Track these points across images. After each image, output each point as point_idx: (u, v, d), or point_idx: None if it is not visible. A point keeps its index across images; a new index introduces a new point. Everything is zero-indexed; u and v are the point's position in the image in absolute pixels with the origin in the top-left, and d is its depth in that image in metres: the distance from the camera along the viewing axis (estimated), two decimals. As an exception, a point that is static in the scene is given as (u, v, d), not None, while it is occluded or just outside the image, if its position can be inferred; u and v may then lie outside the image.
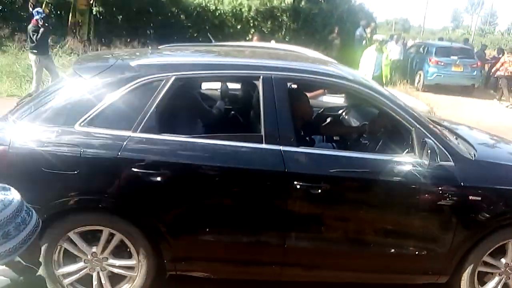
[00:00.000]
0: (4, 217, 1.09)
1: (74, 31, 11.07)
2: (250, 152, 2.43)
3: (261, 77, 2.50)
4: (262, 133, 2.43)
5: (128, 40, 11.26)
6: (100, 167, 2.35)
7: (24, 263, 1.14)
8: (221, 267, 2.62)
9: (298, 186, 2.37)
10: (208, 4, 12.66)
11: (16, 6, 11.55)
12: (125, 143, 2.31)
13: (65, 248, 2.45)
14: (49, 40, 8.18)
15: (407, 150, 2.58)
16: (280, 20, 12.94)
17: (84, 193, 2.38)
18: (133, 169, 2.31)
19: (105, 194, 2.37)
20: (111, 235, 2.44)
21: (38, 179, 2.30)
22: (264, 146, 2.42)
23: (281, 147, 2.40)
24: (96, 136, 2.34)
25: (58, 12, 11.72)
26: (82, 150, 2.29)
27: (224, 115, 3.44)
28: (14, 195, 1.16)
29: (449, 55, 12.57)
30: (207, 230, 2.47)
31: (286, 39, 12.29)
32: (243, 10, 12.69)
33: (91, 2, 11.57)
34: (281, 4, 13.37)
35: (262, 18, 12.69)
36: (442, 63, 12.35)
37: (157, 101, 2.39)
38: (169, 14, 12.40)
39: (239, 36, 12.06)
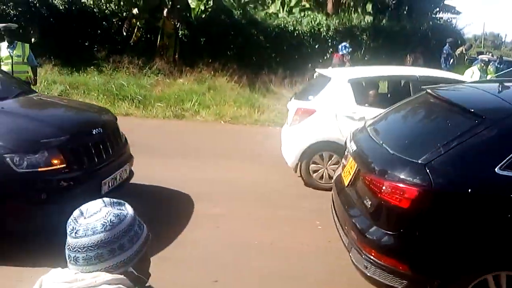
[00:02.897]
0: (119, 230, 1.16)
1: (161, 53, 11.85)
2: None
3: None
4: None
5: (210, 60, 11.79)
6: None
7: (136, 274, 1.21)
8: None
9: None
10: (287, 25, 12.85)
11: (112, 30, 12.67)
12: None
13: None
14: None
15: None
16: (359, 38, 12.71)
17: None
18: None
19: None
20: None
21: (464, 222, 2.34)
22: None
23: None
24: None
25: (148, 36, 12.65)
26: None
27: None
28: (128, 210, 1.22)
29: None
30: None
31: (366, 58, 12.02)
32: (321, 30, 12.68)
33: (177, 26, 12.34)
34: (360, 23, 13.17)
35: (340, 37, 12.56)
36: None
37: None
38: (248, 36, 12.79)
39: (317, 56, 12.04)
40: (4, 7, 12.06)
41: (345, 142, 3.49)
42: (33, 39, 11.36)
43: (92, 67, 10.99)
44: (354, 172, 2.97)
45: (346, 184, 3.11)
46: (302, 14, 13.77)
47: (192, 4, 12.19)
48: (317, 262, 3.49)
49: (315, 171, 5.09)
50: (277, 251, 3.64)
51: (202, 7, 12.74)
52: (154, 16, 12.23)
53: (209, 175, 5.32)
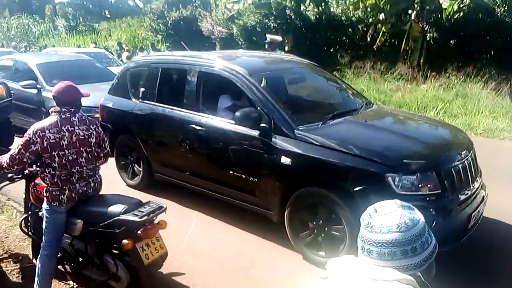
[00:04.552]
0: (413, 234, 1.17)
1: (405, 57, 11.33)
2: None
3: None
4: None
5: (460, 64, 10.55)
6: None
7: (422, 279, 1.22)
8: None
9: None
10: None
11: (356, 37, 12.93)
12: None
13: None
14: None
15: None
16: None
17: None
18: None
19: None
20: None
21: None
22: None
23: None
24: None
25: (392, 41, 12.32)
26: None
27: None
28: (419, 216, 1.22)
29: None
30: None
31: None
32: None
33: (426, 29, 11.54)
34: None
35: None
36: None
37: None
38: (514, 36, 10.80)
39: None
40: (267, 20, 14.01)
41: None
42: (286, 48, 12.76)
43: (334, 72, 11.48)
44: None
45: None
46: None
47: (444, 4, 11.12)
48: None
49: None
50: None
51: (456, 7, 11.48)
52: (401, 20, 11.82)
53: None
